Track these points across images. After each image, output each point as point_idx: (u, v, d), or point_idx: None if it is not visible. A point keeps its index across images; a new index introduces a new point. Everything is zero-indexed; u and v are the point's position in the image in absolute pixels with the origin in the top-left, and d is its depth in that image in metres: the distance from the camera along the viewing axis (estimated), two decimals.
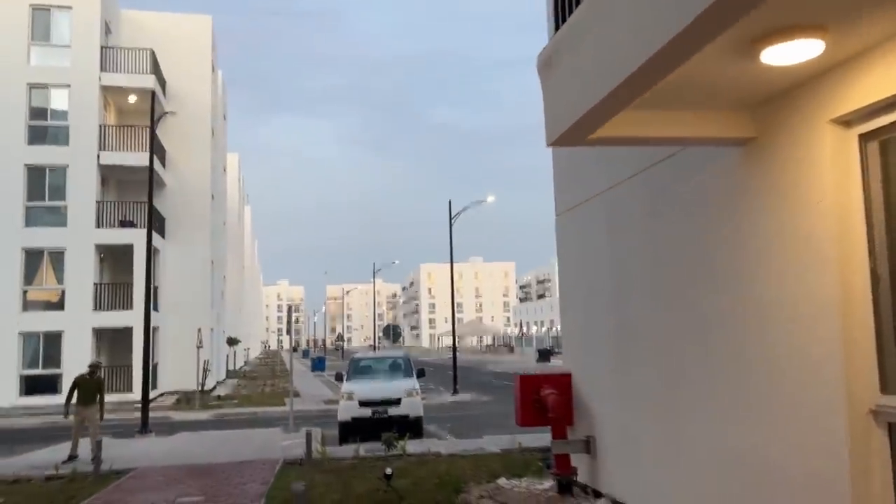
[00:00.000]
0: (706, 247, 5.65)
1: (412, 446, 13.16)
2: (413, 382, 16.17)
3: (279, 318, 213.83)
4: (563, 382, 9.08)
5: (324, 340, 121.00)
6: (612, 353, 8.17)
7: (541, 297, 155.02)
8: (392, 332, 31.80)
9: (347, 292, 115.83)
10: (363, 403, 15.49)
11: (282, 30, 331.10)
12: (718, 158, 5.41)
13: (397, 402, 15.50)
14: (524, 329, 78.47)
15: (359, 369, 17.14)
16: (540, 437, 14.74)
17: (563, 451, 8.68)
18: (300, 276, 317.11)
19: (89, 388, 14.39)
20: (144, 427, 18.11)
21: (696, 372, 6.12)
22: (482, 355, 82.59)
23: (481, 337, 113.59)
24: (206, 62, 36.13)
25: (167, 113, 28.88)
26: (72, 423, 14.41)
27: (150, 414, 19.13)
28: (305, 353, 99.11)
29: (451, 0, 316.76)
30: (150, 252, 20.90)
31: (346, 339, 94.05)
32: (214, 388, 35.43)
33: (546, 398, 8.77)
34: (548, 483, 9.23)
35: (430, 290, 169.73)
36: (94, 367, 14.89)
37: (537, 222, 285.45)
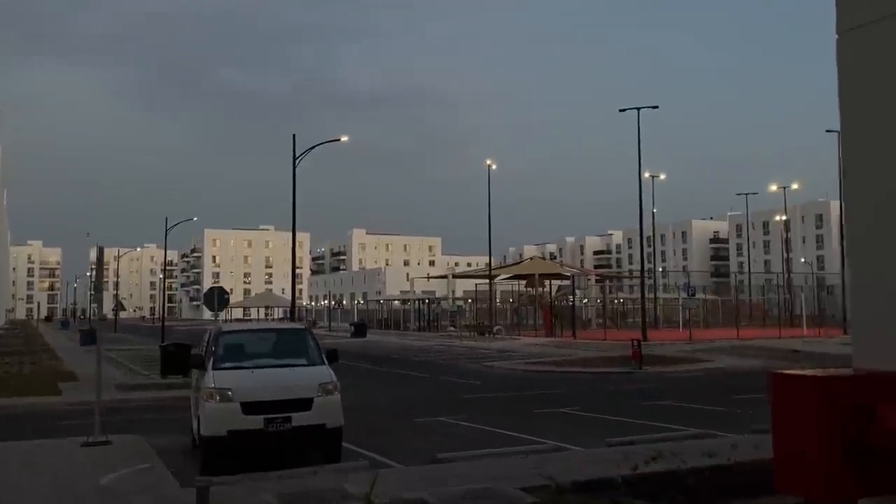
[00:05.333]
0: None
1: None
2: (326, 371, 10.09)
3: (29, 283, 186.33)
4: None
5: (84, 310, 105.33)
6: None
7: (335, 269, 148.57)
8: (217, 299, 22.96)
9: (120, 256, 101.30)
10: (249, 407, 9.26)
11: None
12: None
13: (306, 403, 9.48)
14: (333, 301, 72.61)
15: (231, 350, 10.45)
16: (567, 453, 9.37)
17: None
18: (58, 238, 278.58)
19: None
20: None
21: None
22: None
23: (269, 308, 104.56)
24: None
25: None
26: None
27: None
28: (64, 324, 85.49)
29: None
30: None
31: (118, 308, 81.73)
32: None
33: None
34: None
35: (214, 257, 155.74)
36: None
37: (334, 197, 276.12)
